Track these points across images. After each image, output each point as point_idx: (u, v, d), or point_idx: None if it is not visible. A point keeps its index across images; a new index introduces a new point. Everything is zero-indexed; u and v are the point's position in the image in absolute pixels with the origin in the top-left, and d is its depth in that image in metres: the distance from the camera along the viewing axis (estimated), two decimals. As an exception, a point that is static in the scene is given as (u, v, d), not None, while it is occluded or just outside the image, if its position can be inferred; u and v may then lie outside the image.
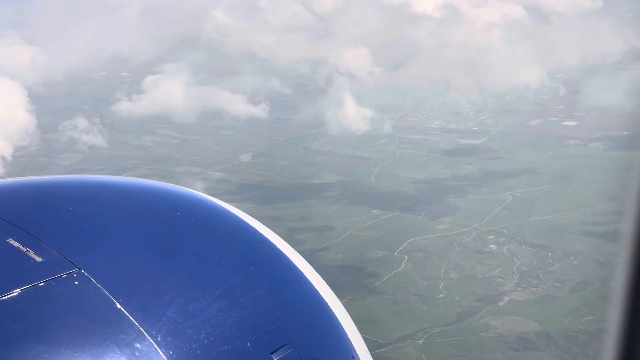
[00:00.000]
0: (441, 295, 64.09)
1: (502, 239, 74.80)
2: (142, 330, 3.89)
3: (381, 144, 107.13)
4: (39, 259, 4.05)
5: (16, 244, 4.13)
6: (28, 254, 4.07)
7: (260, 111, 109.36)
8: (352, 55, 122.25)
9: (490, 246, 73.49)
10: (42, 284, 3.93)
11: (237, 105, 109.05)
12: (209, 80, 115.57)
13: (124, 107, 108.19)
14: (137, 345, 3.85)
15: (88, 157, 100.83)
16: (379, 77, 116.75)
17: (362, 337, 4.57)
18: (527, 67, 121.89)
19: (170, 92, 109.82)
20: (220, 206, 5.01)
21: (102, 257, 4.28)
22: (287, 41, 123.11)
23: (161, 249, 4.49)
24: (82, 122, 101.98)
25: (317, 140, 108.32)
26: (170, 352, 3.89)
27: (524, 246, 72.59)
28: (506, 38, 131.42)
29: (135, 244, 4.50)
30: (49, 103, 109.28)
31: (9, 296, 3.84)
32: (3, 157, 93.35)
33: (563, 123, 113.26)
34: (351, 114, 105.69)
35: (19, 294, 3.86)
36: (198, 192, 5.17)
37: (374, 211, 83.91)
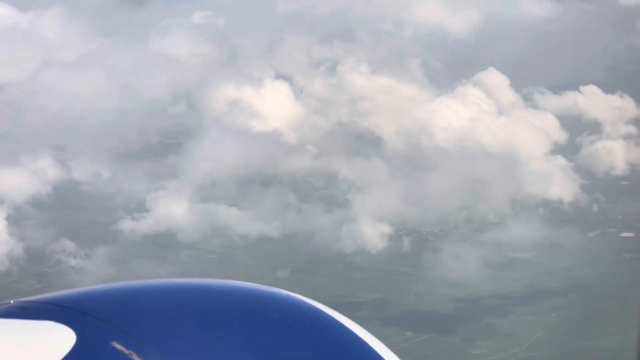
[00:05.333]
0: None
1: (542, 367, 68.58)
2: None
3: (427, 259, 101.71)
4: None
5: (120, 347, 4.22)
6: (131, 356, 4.17)
7: (272, 229, 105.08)
8: (364, 166, 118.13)
9: (529, 375, 67.35)
10: None
11: (246, 223, 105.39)
12: (214, 197, 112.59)
13: (127, 225, 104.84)
14: None
15: (120, 277, 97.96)
16: (395, 189, 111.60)
17: None
18: (559, 180, 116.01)
19: (174, 210, 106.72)
20: (317, 307, 4.97)
21: None
22: (299, 153, 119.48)
23: (263, 353, 4.49)
24: (68, 246, 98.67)
25: (359, 255, 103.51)
26: None
27: (565, 376, 66.27)
28: (536, 148, 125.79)
29: (237, 347, 4.49)
30: (36, 225, 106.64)
31: None
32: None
33: (622, 235, 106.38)
34: (368, 230, 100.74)
35: None
36: (297, 295, 5.11)
37: (407, 333, 78.48)
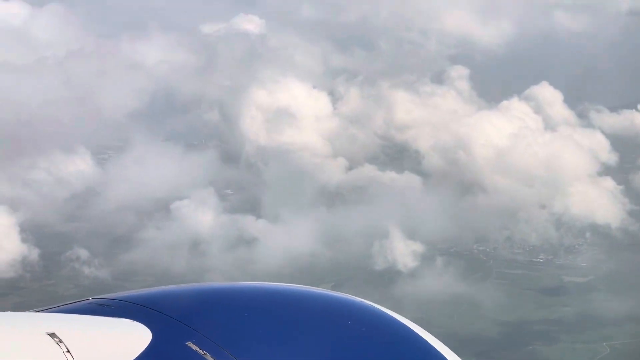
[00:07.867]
0: None
1: (588, 401, 63.38)
2: None
3: (475, 278, 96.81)
4: None
5: (195, 347, 4.34)
6: (205, 357, 4.27)
7: (306, 242, 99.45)
8: (398, 181, 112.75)
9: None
10: None
11: (277, 236, 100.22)
12: (242, 208, 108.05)
13: (151, 234, 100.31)
14: None
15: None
16: (430, 206, 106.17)
17: None
18: (607, 203, 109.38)
19: (199, 220, 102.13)
20: (388, 314, 5.05)
21: None
22: (325, 160, 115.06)
23: (333, 358, 4.57)
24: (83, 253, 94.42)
25: (396, 273, 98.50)
26: None
27: (611, 412, 61.04)
28: (582, 169, 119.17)
29: (307, 351, 4.56)
30: (50, 233, 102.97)
31: None
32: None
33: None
34: (399, 248, 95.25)
35: None
36: (367, 301, 5.17)
37: (445, 358, 73.86)
